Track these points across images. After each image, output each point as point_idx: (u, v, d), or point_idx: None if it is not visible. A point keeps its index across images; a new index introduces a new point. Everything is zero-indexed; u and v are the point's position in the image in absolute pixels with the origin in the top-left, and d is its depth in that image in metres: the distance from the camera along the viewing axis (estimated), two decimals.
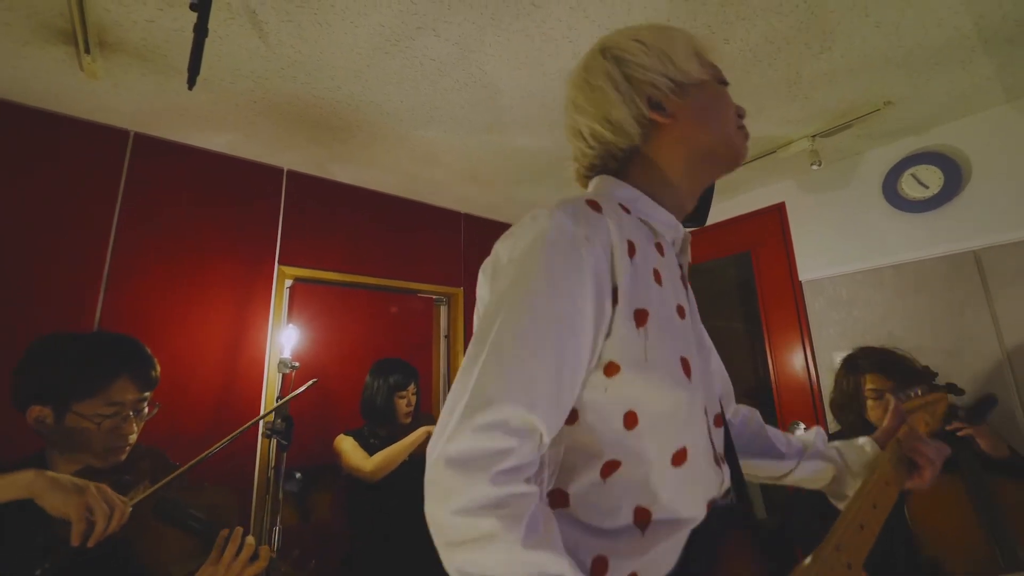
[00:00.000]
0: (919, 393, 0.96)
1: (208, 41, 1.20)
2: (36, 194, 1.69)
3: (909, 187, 2.01)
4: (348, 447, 1.83)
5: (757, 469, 0.86)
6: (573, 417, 0.56)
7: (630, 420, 0.56)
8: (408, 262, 2.54)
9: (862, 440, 0.86)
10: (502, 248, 0.60)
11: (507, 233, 0.60)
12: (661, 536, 0.55)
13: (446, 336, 2.68)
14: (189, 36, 1.18)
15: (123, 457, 1.01)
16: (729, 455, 0.67)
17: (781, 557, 0.61)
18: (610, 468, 0.56)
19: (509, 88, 1.65)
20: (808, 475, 0.85)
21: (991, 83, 1.69)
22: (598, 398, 0.56)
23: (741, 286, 2.67)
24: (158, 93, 1.66)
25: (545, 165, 2.24)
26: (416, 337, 2.53)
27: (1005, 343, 1.77)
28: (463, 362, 0.54)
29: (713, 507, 0.61)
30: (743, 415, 0.87)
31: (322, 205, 2.32)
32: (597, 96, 0.67)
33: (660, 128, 0.67)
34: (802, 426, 2.25)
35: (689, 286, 0.71)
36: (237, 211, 2.08)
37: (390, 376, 1.94)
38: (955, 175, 1.91)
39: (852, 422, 1.49)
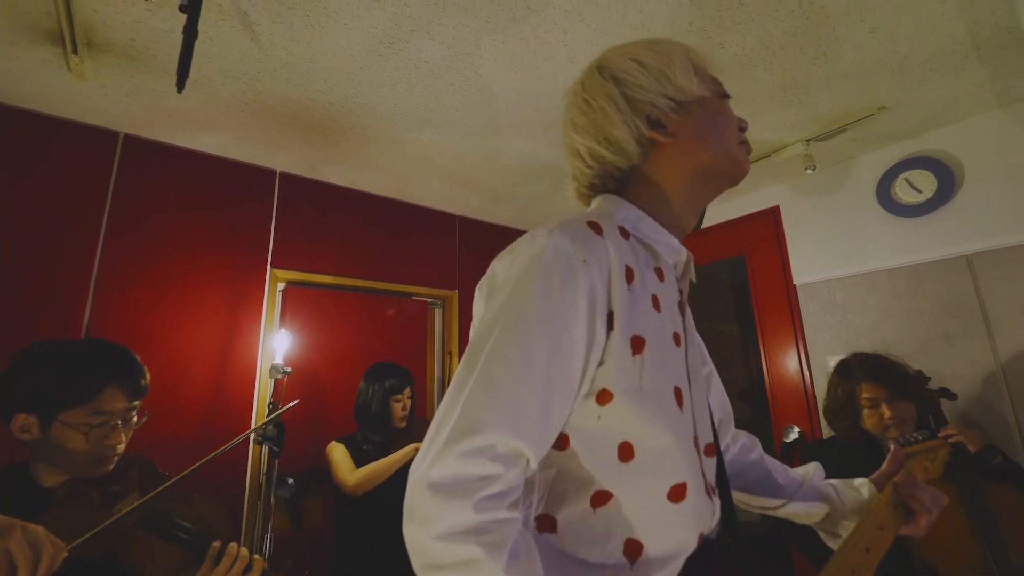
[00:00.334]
0: (920, 439, 0.96)
1: (199, 42, 1.18)
2: (22, 196, 1.66)
3: (903, 191, 2.01)
4: (337, 456, 1.80)
5: (751, 499, 0.85)
6: (563, 443, 0.56)
7: (625, 452, 0.55)
8: (402, 265, 2.52)
9: (859, 481, 0.85)
10: (499, 266, 0.59)
11: (505, 251, 0.60)
12: (651, 570, 0.55)
13: (441, 339, 2.67)
14: (179, 37, 1.16)
15: (111, 467, 0.99)
16: (721, 485, 0.66)
17: None
18: (601, 498, 0.55)
19: (504, 91, 1.64)
20: (801, 510, 0.83)
21: (984, 89, 1.70)
22: (590, 426, 0.55)
23: (736, 289, 2.67)
24: (148, 94, 1.63)
25: (540, 168, 2.23)
26: (410, 340, 2.51)
27: (998, 347, 1.78)
28: (452, 381, 0.53)
29: (703, 539, 0.61)
30: (742, 443, 0.86)
31: (315, 207, 2.30)
32: (596, 116, 0.67)
33: (660, 147, 0.66)
34: (796, 430, 2.26)
35: (687, 311, 0.70)
36: (229, 213, 2.06)
37: (385, 380, 1.92)
38: (948, 180, 1.92)
39: (846, 429, 1.49)
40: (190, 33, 1.03)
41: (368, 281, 2.40)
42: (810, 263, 2.32)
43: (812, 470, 0.87)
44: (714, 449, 0.66)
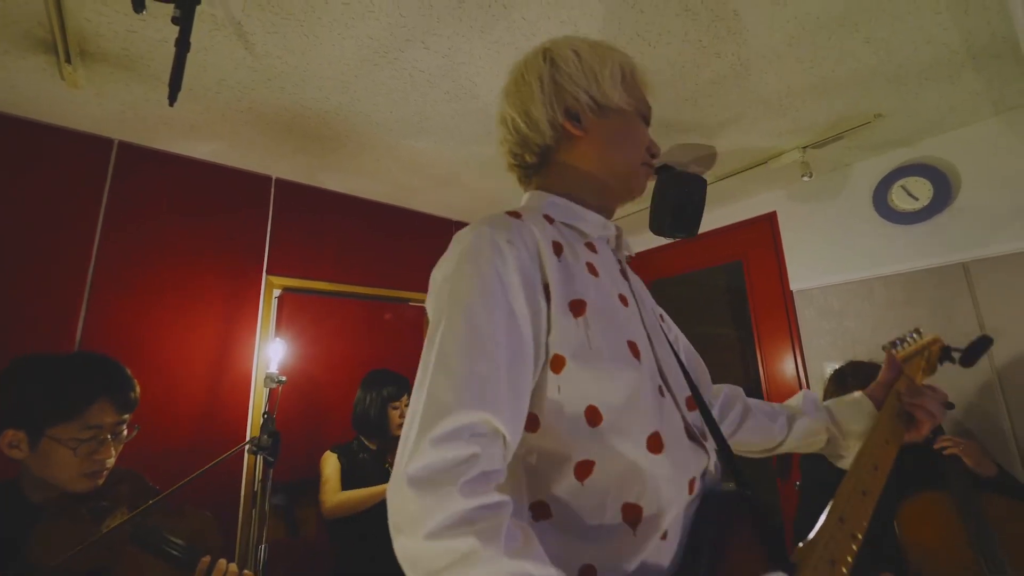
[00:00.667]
0: (910, 341, 0.94)
1: (193, 51, 1.17)
2: (16, 203, 1.65)
3: (899, 199, 2.01)
4: (327, 473, 1.78)
5: (750, 444, 0.85)
6: (535, 424, 0.56)
7: (592, 416, 0.56)
8: (399, 271, 2.52)
9: (856, 395, 0.85)
10: (436, 272, 0.61)
11: (440, 260, 0.62)
12: (652, 530, 0.54)
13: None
14: (172, 47, 1.15)
15: (100, 482, 0.98)
16: (716, 437, 0.67)
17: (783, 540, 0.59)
18: (584, 469, 0.55)
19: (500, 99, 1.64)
20: (800, 440, 0.85)
21: (979, 97, 1.70)
22: (554, 398, 0.56)
23: (733, 294, 2.67)
24: (142, 102, 1.63)
25: None
26: (407, 347, 2.50)
27: (993, 355, 1.78)
28: (415, 382, 0.54)
29: (712, 493, 0.61)
30: (725, 394, 0.87)
31: (311, 213, 2.30)
32: (524, 90, 0.71)
33: (573, 138, 0.70)
34: None
35: (633, 278, 0.72)
36: (224, 220, 2.05)
37: (383, 388, 1.92)
38: (944, 187, 1.91)
39: None
40: (182, 46, 1.02)
41: (365, 287, 2.39)
42: (807, 269, 2.32)
43: (802, 399, 0.88)
44: (695, 403, 0.67)
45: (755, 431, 0.84)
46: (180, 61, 1.03)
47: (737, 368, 2.66)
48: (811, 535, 0.59)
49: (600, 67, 0.69)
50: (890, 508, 1.37)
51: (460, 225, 2.83)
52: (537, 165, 0.73)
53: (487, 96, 1.62)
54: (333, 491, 1.74)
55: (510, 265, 0.56)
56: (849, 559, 0.59)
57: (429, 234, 2.69)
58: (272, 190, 2.20)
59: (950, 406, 1.63)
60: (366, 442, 1.91)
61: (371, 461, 1.86)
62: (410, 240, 2.60)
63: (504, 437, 0.51)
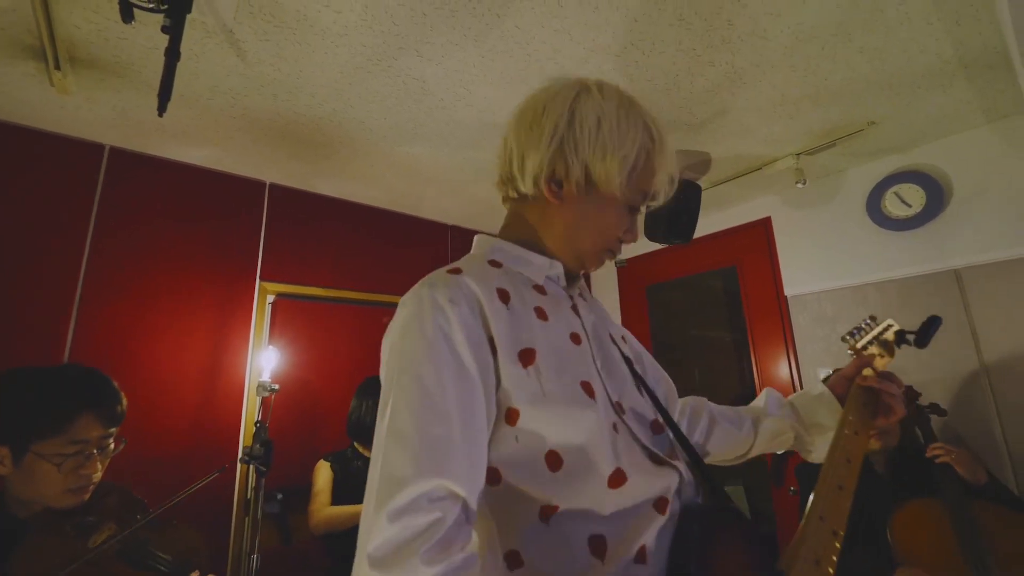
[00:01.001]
0: (865, 328, 0.93)
1: (184, 58, 1.16)
2: (5, 210, 1.63)
3: (892, 205, 2.02)
4: (319, 485, 1.77)
5: (722, 453, 0.85)
6: (496, 478, 0.56)
7: (553, 461, 0.56)
8: (394, 276, 2.50)
9: (818, 389, 0.85)
10: (384, 342, 0.62)
11: (387, 328, 0.63)
12: (622, 558, 0.54)
13: None
14: (163, 55, 1.14)
15: (86, 497, 0.97)
16: (689, 452, 0.67)
17: (768, 544, 0.60)
18: (548, 511, 0.55)
19: (495, 106, 1.63)
20: (768, 442, 0.84)
21: (971, 106, 1.71)
22: (512, 451, 0.56)
23: (728, 297, 2.68)
24: (133, 109, 1.61)
25: None
26: None
27: (985, 361, 1.79)
28: (371, 455, 0.54)
29: (689, 509, 0.61)
30: (691, 407, 0.87)
31: (306, 218, 2.28)
32: (535, 132, 0.67)
33: (547, 201, 0.68)
34: None
35: (586, 312, 0.72)
36: (217, 226, 2.04)
37: (378, 395, 1.90)
38: (937, 194, 1.92)
39: None
40: (172, 55, 1.01)
41: (360, 292, 2.38)
42: (801, 275, 2.32)
43: (765, 399, 0.87)
44: (662, 426, 0.67)
45: (723, 440, 0.84)
46: (170, 71, 1.02)
47: (732, 373, 2.66)
48: (795, 537, 0.60)
49: (616, 148, 0.64)
50: (883, 515, 1.37)
51: (456, 230, 2.82)
52: (515, 200, 0.73)
53: (481, 103, 1.61)
54: (322, 505, 1.72)
55: (454, 324, 0.56)
56: (833, 557, 0.59)
57: (424, 239, 2.68)
58: (266, 195, 2.18)
59: (943, 413, 1.64)
60: (361, 450, 1.89)
61: (365, 470, 1.85)
62: (405, 245, 2.59)
63: (464, 500, 0.51)
